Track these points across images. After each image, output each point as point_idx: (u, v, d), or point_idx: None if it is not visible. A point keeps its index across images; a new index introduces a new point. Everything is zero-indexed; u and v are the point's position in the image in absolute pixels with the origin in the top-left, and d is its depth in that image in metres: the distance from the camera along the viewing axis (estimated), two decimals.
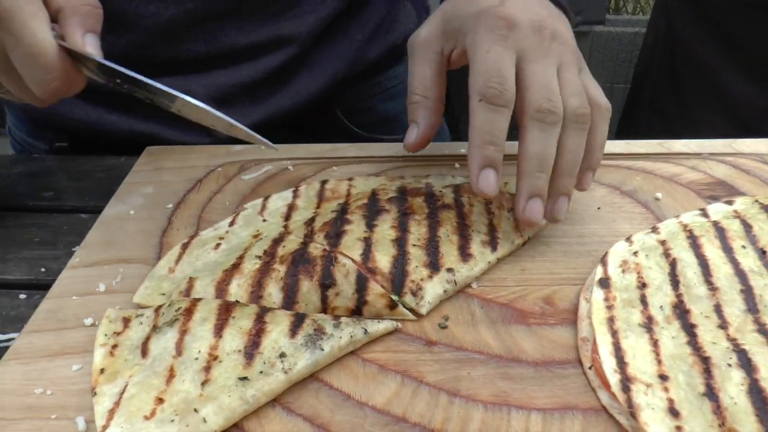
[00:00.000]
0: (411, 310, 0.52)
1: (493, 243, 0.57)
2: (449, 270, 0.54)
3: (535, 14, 0.59)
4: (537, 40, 0.57)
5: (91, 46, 0.53)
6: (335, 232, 0.55)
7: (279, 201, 0.62)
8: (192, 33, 0.79)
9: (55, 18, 0.54)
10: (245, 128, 0.55)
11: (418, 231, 0.56)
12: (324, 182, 0.65)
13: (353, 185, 0.64)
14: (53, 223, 0.68)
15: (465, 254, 0.55)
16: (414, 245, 0.55)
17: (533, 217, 0.55)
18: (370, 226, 0.57)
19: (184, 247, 0.57)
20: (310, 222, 0.58)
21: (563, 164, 0.56)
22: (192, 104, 0.53)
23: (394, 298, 0.51)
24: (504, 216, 0.60)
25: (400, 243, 0.55)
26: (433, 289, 0.52)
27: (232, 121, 0.54)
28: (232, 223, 0.59)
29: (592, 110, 0.57)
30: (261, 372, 0.45)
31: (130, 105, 0.78)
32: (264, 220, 0.59)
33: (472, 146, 0.55)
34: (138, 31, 0.77)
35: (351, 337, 0.48)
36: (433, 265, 0.54)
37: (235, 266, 0.52)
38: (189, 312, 0.48)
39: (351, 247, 0.54)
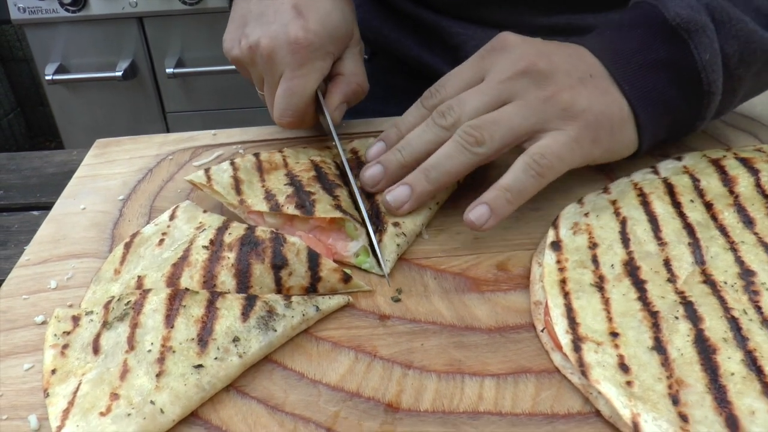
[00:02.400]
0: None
1: None
2: (395, 224, 0.55)
3: (539, 55, 0.56)
4: (508, 70, 0.56)
5: (338, 112, 0.65)
6: (304, 202, 0.56)
7: (222, 173, 0.61)
8: None
9: (332, 75, 0.66)
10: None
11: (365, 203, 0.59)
12: (257, 155, 0.64)
13: (286, 155, 0.64)
14: (3, 222, 0.67)
15: None
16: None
17: (365, 178, 0.59)
18: (334, 196, 0.57)
19: (127, 246, 0.56)
20: (270, 197, 0.57)
21: (425, 162, 0.56)
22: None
23: (347, 271, 0.52)
24: None
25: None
26: (387, 248, 0.54)
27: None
28: (172, 217, 0.58)
29: (532, 155, 0.54)
30: (216, 358, 0.44)
31: (419, 31, 0.84)
32: (204, 211, 0.58)
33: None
34: None
35: (303, 315, 0.48)
36: (379, 228, 0.56)
37: (183, 258, 0.51)
38: (139, 305, 0.47)
39: (327, 211, 0.55)
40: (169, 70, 2.07)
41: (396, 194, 0.56)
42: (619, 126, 0.57)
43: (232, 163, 0.62)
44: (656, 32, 0.58)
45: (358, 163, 0.64)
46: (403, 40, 0.85)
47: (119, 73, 2.06)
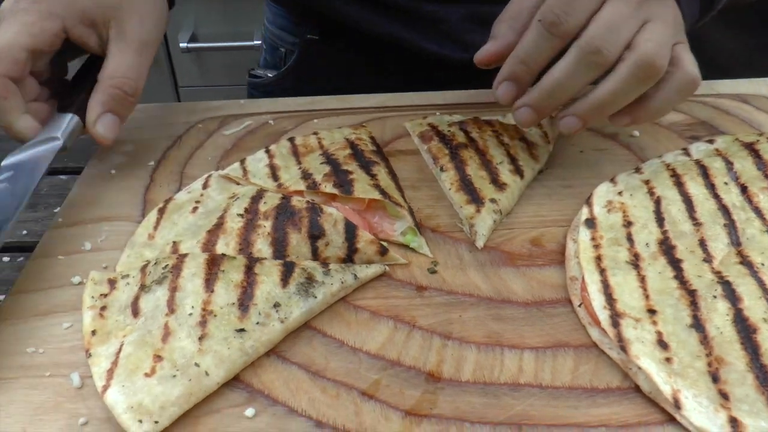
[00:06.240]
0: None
1: (519, 171, 0.59)
2: (492, 200, 0.55)
3: None
4: None
5: (101, 126, 0.59)
6: (342, 181, 0.55)
7: (257, 163, 0.61)
8: None
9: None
10: None
11: (448, 176, 0.59)
12: (291, 139, 0.64)
13: (321, 137, 0.64)
14: None
15: (499, 185, 0.57)
16: (451, 186, 0.58)
17: (501, 97, 0.57)
18: (372, 175, 0.57)
19: (161, 212, 0.56)
20: (307, 176, 0.57)
21: (543, 80, 0.54)
22: None
23: (384, 244, 0.52)
24: (518, 145, 0.62)
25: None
26: (484, 221, 0.54)
27: None
28: (205, 186, 0.58)
29: (630, 60, 0.51)
30: (258, 323, 0.45)
31: (390, 10, 0.82)
32: (237, 183, 0.58)
33: (509, 58, 0.56)
34: None
35: (342, 283, 0.48)
36: (477, 200, 0.55)
37: (218, 226, 0.52)
38: (177, 269, 0.47)
39: (367, 191, 0.55)
40: (182, 45, 2.06)
41: (520, 114, 0.56)
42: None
43: (267, 151, 0.62)
44: None
45: (437, 132, 0.64)
46: (368, 18, 0.83)
47: None
